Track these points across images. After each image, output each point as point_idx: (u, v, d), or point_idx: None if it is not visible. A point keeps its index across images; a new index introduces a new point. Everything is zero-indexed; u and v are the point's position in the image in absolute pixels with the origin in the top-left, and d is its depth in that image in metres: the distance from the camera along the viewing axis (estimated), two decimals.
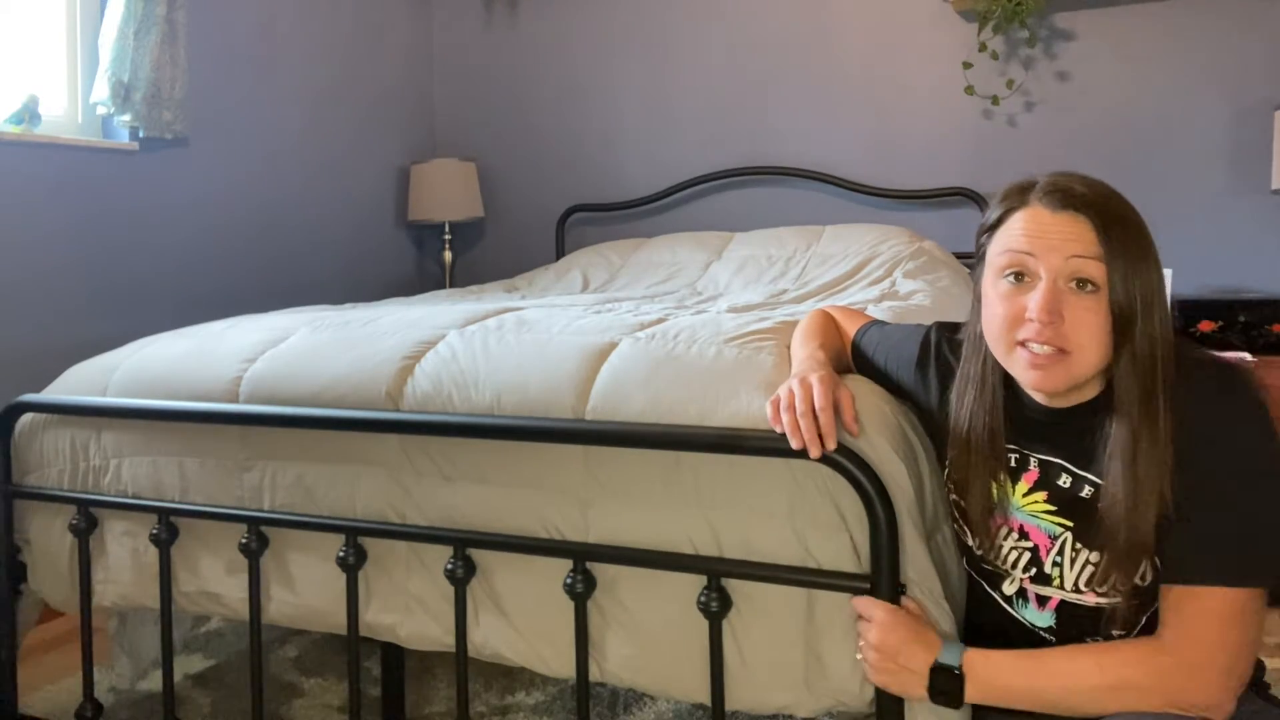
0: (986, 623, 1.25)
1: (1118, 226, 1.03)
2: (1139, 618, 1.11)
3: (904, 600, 1.17)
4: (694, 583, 1.27)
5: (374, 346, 1.61)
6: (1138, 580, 1.08)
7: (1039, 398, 1.14)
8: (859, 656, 1.16)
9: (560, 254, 3.80)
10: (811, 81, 3.54)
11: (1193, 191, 3.03)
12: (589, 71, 3.90)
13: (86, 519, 1.68)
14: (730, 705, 1.26)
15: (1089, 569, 1.12)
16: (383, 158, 3.91)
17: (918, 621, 1.14)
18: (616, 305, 2.20)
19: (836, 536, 1.21)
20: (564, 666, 1.36)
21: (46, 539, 1.77)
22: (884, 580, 1.14)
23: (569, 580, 1.32)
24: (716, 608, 1.23)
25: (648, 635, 1.31)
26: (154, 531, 1.61)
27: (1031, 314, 1.04)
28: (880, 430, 1.25)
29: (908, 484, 1.21)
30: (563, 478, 1.36)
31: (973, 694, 1.08)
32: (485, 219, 4.07)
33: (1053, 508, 1.14)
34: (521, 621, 1.39)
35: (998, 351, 1.12)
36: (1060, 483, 1.14)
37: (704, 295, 2.73)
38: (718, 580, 1.24)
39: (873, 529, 1.14)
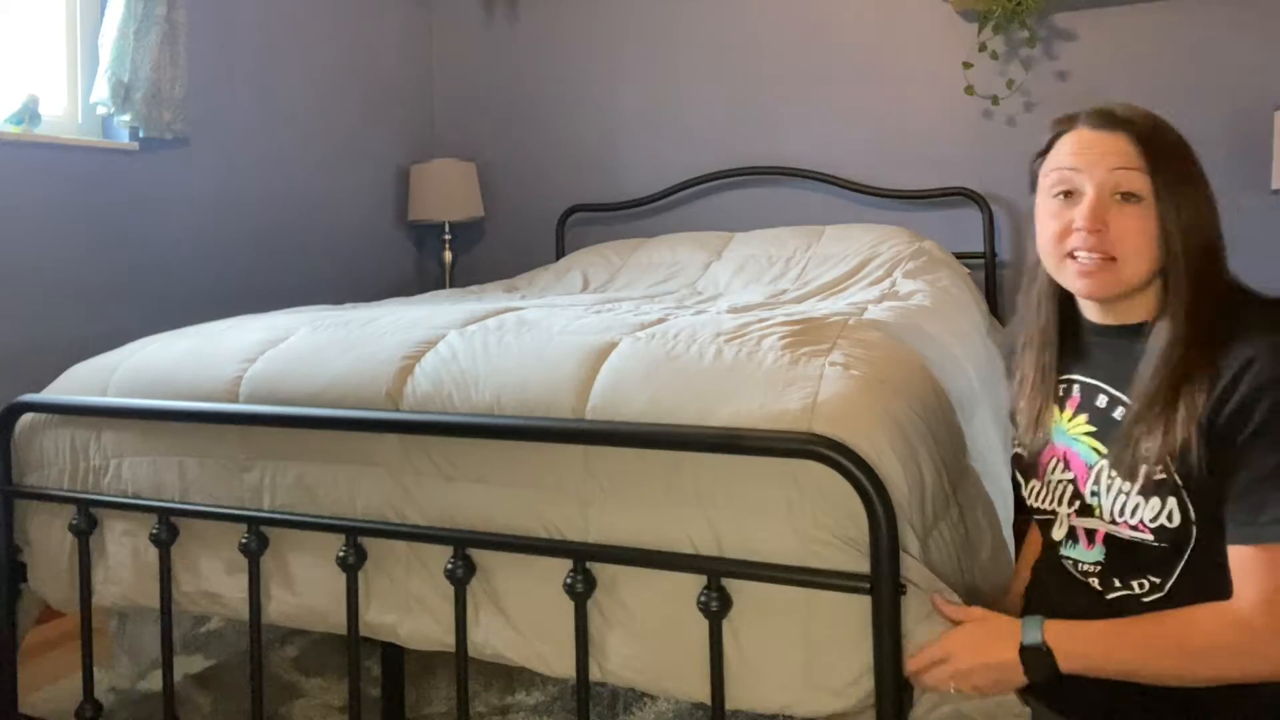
0: (1052, 584, 1.27)
1: (1158, 142, 1.11)
2: (1175, 561, 1.11)
3: (937, 603, 1.16)
4: (694, 582, 1.26)
5: (374, 346, 1.61)
6: (1165, 520, 1.09)
7: (1091, 312, 1.19)
8: (952, 689, 1.14)
9: (560, 254, 3.80)
10: (812, 81, 3.54)
11: None
12: (589, 71, 3.90)
13: (86, 519, 1.68)
14: (730, 705, 1.26)
15: (1122, 497, 1.12)
16: (383, 158, 3.91)
17: (979, 620, 1.15)
18: (616, 305, 2.20)
19: (836, 536, 1.21)
20: (564, 666, 1.36)
21: (46, 539, 1.77)
22: (884, 580, 1.14)
23: (569, 580, 1.31)
24: (716, 607, 1.23)
25: (648, 635, 1.31)
26: (154, 531, 1.61)
27: (1078, 224, 1.11)
28: (880, 429, 1.25)
29: (903, 482, 1.22)
30: (563, 478, 1.36)
31: (1064, 666, 1.09)
32: (485, 219, 4.07)
33: (1092, 428, 1.16)
34: (521, 621, 1.39)
35: (1050, 265, 1.18)
36: (1098, 403, 1.17)
37: (704, 295, 2.73)
38: (718, 580, 1.24)
39: (872, 529, 1.14)
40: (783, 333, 1.50)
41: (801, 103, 3.55)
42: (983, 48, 3.13)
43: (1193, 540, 1.09)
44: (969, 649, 1.12)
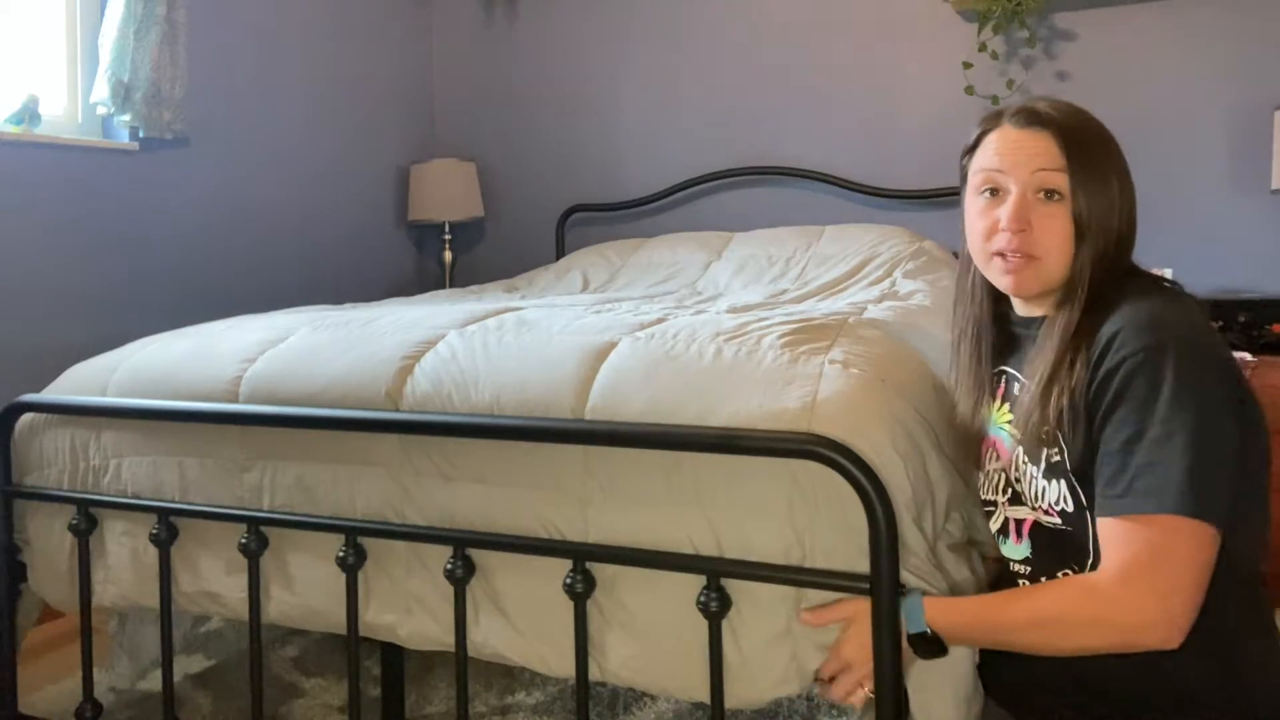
0: (1000, 578, 1.30)
1: (1079, 142, 1.14)
2: (1087, 548, 1.12)
3: (804, 618, 1.19)
4: (693, 582, 1.27)
5: (374, 346, 1.61)
6: (1064, 504, 1.12)
7: (1016, 305, 1.23)
8: (865, 691, 1.17)
9: (560, 254, 3.80)
10: (811, 81, 3.54)
11: (1193, 191, 3.02)
12: (589, 71, 3.90)
13: (86, 519, 1.68)
14: (730, 704, 1.26)
15: (1034, 482, 1.15)
16: (383, 158, 3.91)
17: (860, 620, 1.16)
18: (616, 305, 2.20)
19: (836, 536, 1.21)
20: (564, 666, 1.36)
21: (46, 539, 1.77)
22: (884, 580, 1.14)
23: (568, 580, 1.31)
24: (716, 608, 1.23)
25: (647, 634, 1.31)
26: (154, 532, 1.61)
27: (1003, 224, 1.14)
28: (881, 427, 1.25)
29: (906, 482, 1.21)
30: (562, 478, 1.36)
31: (950, 642, 1.13)
32: (485, 219, 4.07)
33: (1011, 416, 1.20)
34: (521, 621, 1.39)
35: (978, 261, 1.22)
36: (1015, 391, 1.21)
37: (704, 295, 2.72)
38: (717, 580, 1.24)
39: (872, 529, 1.14)
40: (782, 332, 1.50)
41: (801, 103, 3.55)
42: (983, 48, 3.13)
43: (1090, 525, 1.10)
44: (863, 652, 1.14)
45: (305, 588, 1.54)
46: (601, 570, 1.32)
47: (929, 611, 1.13)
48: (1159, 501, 1.00)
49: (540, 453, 1.37)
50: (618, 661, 1.33)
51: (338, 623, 1.51)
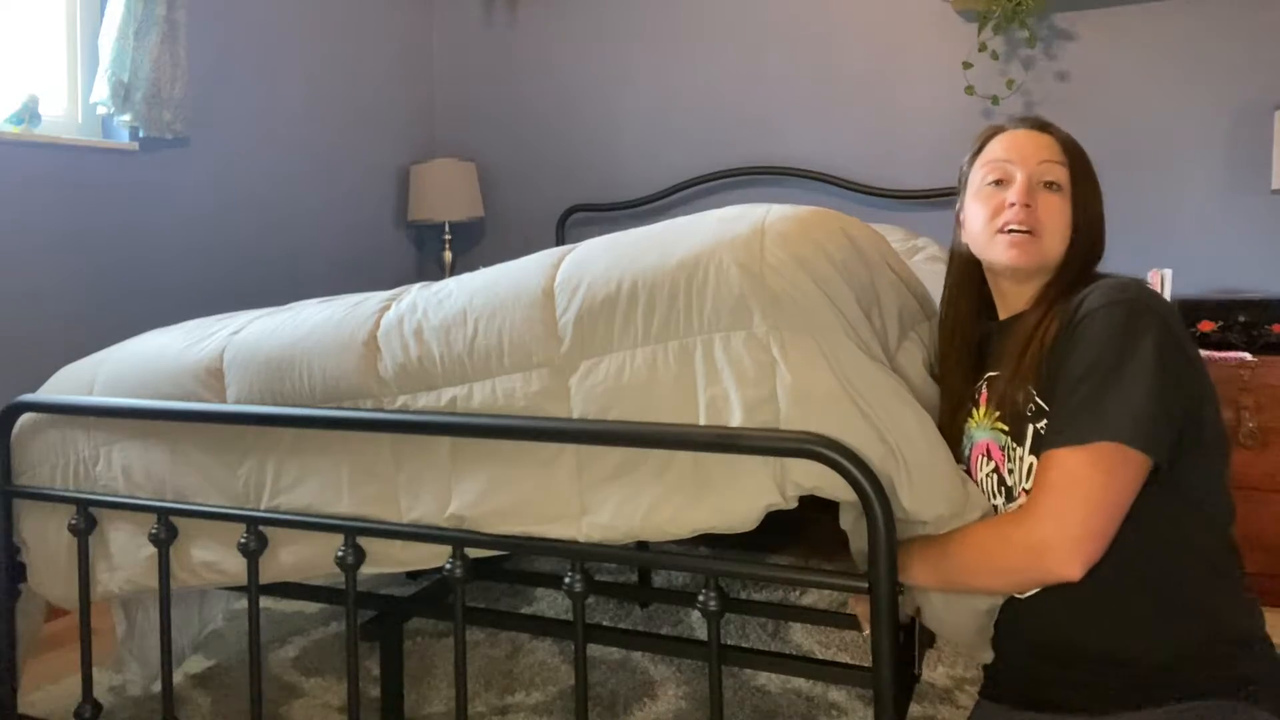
0: None
1: (1073, 146, 1.30)
2: None
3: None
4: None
5: (356, 307, 1.63)
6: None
7: (1002, 308, 1.32)
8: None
9: None
10: (812, 81, 3.54)
11: (1193, 191, 3.02)
12: (589, 71, 3.90)
13: (86, 519, 1.68)
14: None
15: (1023, 463, 1.18)
16: (383, 158, 3.91)
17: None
18: None
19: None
20: None
21: (43, 537, 1.76)
22: (883, 580, 1.14)
23: (567, 580, 1.31)
24: (715, 607, 1.23)
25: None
26: (153, 531, 1.61)
27: (1012, 199, 1.25)
28: (831, 233, 1.27)
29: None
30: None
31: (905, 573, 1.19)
32: (485, 219, 4.07)
33: (999, 412, 1.24)
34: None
35: (981, 243, 1.29)
36: (999, 388, 1.25)
37: None
38: (716, 580, 1.24)
39: (871, 528, 1.14)
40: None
41: (801, 103, 3.55)
42: (983, 48, 3.13)
43: None
44: None
45: (307, 537, 1.53)
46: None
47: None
48: (1092, 432, 1.05)
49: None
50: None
51: (336, 573, 1.50)
